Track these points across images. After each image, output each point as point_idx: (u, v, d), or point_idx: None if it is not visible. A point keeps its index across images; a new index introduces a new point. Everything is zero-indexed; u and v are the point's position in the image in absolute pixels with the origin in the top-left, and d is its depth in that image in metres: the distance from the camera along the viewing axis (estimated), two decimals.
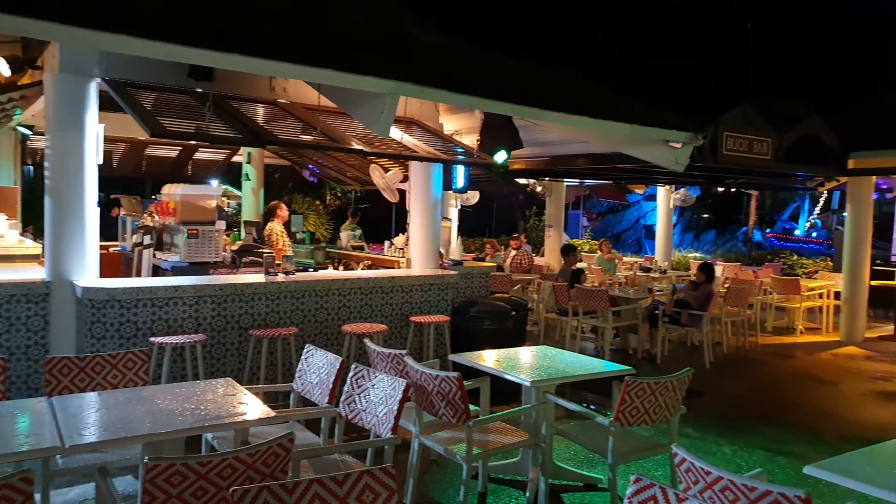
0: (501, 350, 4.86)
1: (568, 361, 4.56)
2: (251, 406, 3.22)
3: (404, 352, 4.14)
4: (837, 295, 10.62)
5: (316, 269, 7.64)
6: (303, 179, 15.87)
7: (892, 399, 7.03)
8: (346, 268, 8.67)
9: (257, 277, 5.91)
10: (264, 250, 7.07)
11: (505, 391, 5.13)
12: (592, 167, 9.19)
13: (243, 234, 8.19)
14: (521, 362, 4.51)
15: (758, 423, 6.11)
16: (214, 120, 5.41)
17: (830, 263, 15.01)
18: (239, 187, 12.56)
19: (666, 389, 3.80)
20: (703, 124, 6.79)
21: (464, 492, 3.71)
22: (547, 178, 13.39)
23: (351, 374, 3.73)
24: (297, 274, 6.18)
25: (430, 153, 6.28)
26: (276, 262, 6.12)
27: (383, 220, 19.47)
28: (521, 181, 13.61)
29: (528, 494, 4.29)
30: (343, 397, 3.71)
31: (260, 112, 6.12)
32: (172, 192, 7.03)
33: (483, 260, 11.72)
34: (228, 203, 13.74)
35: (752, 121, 7.63)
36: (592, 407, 6.26)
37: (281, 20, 5.15)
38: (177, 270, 6.50)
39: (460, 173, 7.70)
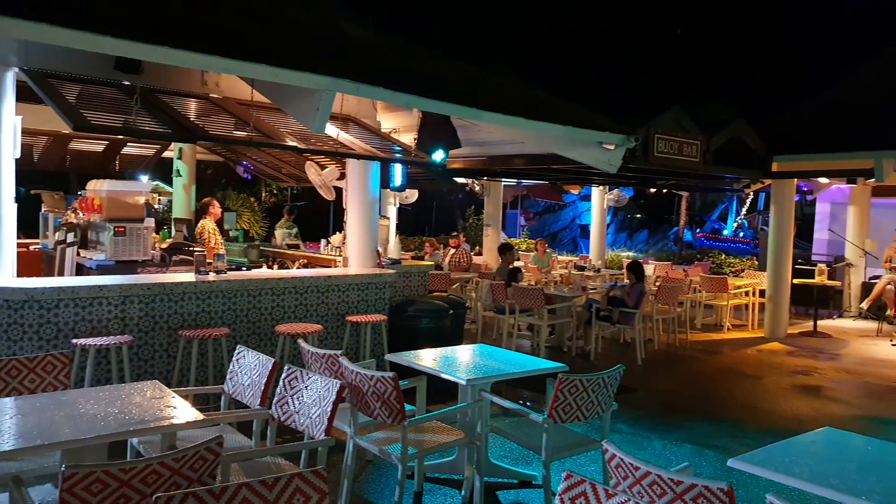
0: (438, 349, 4.86)
1: (504, 359, 4.59)
2: (179, 409, 3.12)
3: (339, 352, 4.09)
4: (762, 293, 11.06)
5: (249, 268, 7.49)
6: (237, 176, 15.49)
7: (810, 392, 7.37)
8: (281, 267, 8.51)
9: (187, 276, 5.74)
10: (195, 248, 6.87)
11: (442, 390, 5.12)
12: (529, 167, 9.30)
13: (174, 232, 7.93)
14: (458, 361, 4.52)
15: (687, 417, 6.30)
16: (142, 114, 5.23)
17: (756, 262, 15.64)
18: (170, 183, 12.18)
19: (598, 386, 3.87)
20: (635, 127, 6.96)
21: (398, 492, 3.69)
22: (485, 178, 13.49)
23: (284, 376, 3.65)
24: (229, 273, 6.03)
25: (368, 151, 6.23)
26: (208, 260, 5.95)
27: (320, 217, 19.25)
28: (460, 180, 13.67)
29: (463, 493, 4.30)
30: (275, 399, 3.64)
31: (191, 106, 5.94)
32: (98, 187, 6.76)
33: (422, 259, 11.71)
34: (159, 200, 13.31)
35: (681, 124, 7.87)
36: (528, 404, 6.34)
37: (212, 12, 5.01)
38: (102, 269, 6.25)
39: (398, 171, 7.67)
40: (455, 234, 14.19)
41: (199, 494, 2.06)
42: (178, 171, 10.32)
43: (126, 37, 3.85)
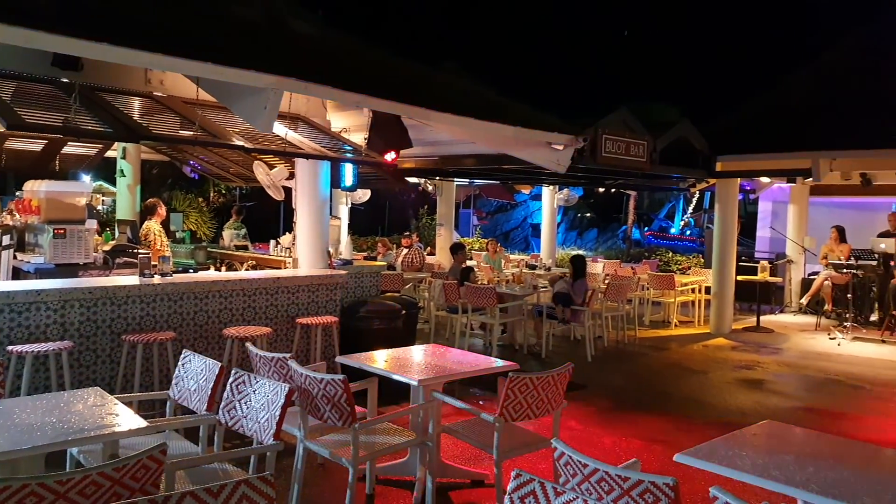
0: (390, 350, 4.84)
1: (456, 359, 4.60)
2: (122, 417, 3.03)
3: (288, 355, 4.03)
4: (708, 290, 11.35)
5: (196, 270, 7.32)
6: (184, 176, 15.13)
7: (753, 386, 7.59)
8: (230, 268, 8.36)
9: (131, 279, 5.58)
10: (140, 250, 6.69)
11: (395, 391, 5.10)
12: (480, 167, 9.35)
13: (117, 234, 7.71)
14: (410, 361, 4.51)
15: (636, 413, 6.42)
16: (82, 112, 5.05)
17: (702, 260, 16.04)
18: (113, 183, 11.83)
19: (547, 384, 3.90)
20: (583, 127, 7.06)
21: (350, 495, 3.66)
22: (437, 178, 13.49)
23: (231, 380, 3.58)
24: (174, 275, 5.89)
25: (317, 150, 6.16)
26: (153, 262, 5.80)
27: (270, 218, 18.94)
28: (412, 180, 13.65)
29: (415, 494, 4.29)
30: (223, 404, 3.57)
31: (134, 105, 5.77)
32: (36, 188, 6.52)
33: (374, 259, 11.66)
34: (102, 201, 12.91)
35: (629, 125, 8.01)
36: (481, 402, 6.37)
37: (155, 9, 4.88)
38: (41, 273, 6.03)
39: (348, 171, 7.61)
40: (408, 233, 14.17)
41: None
42: (121, 170, 10.03)
43: (63, 33, 3.72)
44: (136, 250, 6.90)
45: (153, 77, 5.93)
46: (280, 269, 7.31)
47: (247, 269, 8.11)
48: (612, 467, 2.45)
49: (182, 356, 3.94)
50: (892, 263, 10.62)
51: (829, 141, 8.96)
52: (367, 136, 6.76)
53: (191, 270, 7.24)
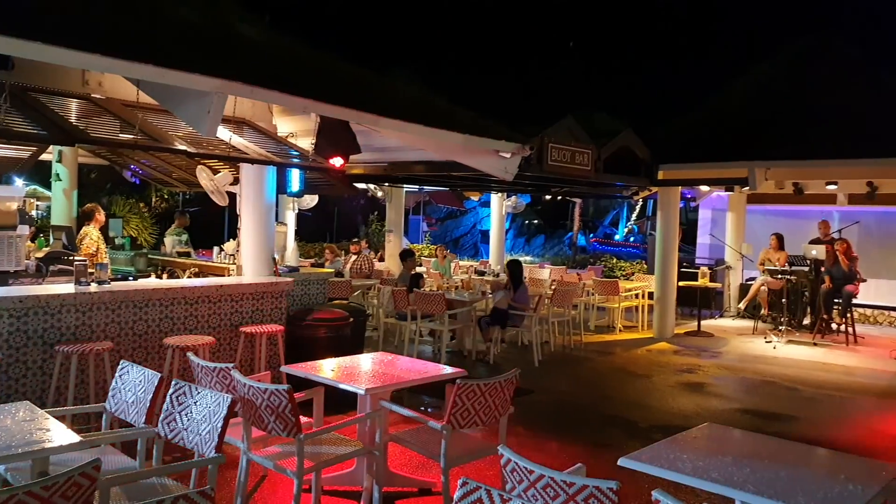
0: (337, 358, 4.79)
1: (404, 367, 4.58)
2: (53, 431, 2.91)
3: (231, 365, 3.94)
4: (651, 295, 11.61)
5: (136, 278, 7.11)
6: (124, 180, 14.68)
7: (694, 389, 7.79)
8: (171, 276, 8.13)
9: (66, 287, 5.36)
10: (76, 257, 6.45)
11: (341, 400, 5.04)
12: (430, 174, 9.35)
13: (52, 240, 7.42)
14: (357, 370, 4.46)
15: (582, 417, 6.51)
16: (13, 113, 4.85)
17: (645, 266, 16.41)
18: (49, 187, 11.38)
19: (495, 390, 3.92)
20: (530, 136, 7.14)
21: None
22: (386, 184, 13.44)
23: (171, 391, 3.48)
24: (112, 283, 5.70)
25: (263, 155, 6.06)
26: (89, 270, 5.59)
27: (214, 224, 18.56)
28: (361, 186, 13.56)
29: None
30: (162, 416, 3.46)
31: (71, 107, 5.57)
32: None
33: (322, 266, 11.52)
34: (37, 206, 12.42)
35: (574, 134, 8.14)
36: (429, 410, 6.36)
37: (93, 8, 4.72)
38: None
39: (295, 177, 7.49)
40: (356, 240, 14.07)
41: None
42: (57, 174, 9.67)
43: None
44: (71, 257, 6.65)
45: (91, 78, 5.73)
46: (224, 276, 7.16)
47: (189, 277, 7.90)
48: (558, 473, 2.48)
49: (119, 367, 3.81)
50: (822, 269, 11.07)
51: (763, 152, 9.30)
52: (314, 141, 6.68)
53: (130, 278, 7.03)
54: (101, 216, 7.89)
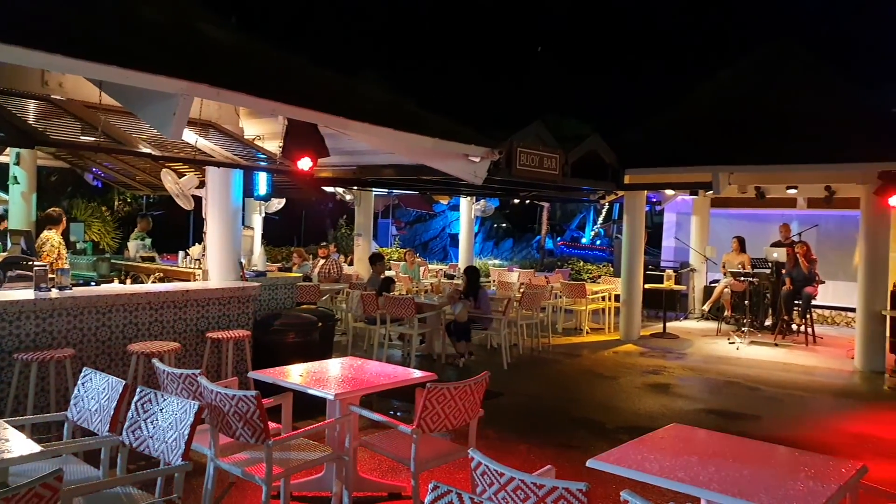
0: (306, 364, 4.75)
1: (373, 371, 4.56)
2: (12, 442, 2.84)
3: (197, 371, 3.89)
4: (617, 297, 11.75)
5: (98, 283, 6.97)
6: (85, 183, 14.39)
7: (660, 390, 7.90)
8: (135, 281, 7.99)
9: (25, 294, 5.23)
10: (36, 263, 6.30)
11: (310, 406, 5.00)
12: (399, 178, 9.35)
13: (10, 245, 7.23)
14: (326, 375, 4.44)
15: (550, 419, 6.56)
16: None
17: (612, 269, 16.59)
18: (6, 191, 11.09)
19: (465, 394, 3.93)
20: (499, 140, 7.18)
21: None
22: (355, 188, 13.39)
23: (136, 399, 3.42)
24: (74, 289, 5.57)
25: (229, 158, 5.99)
26: (50, 275, 5.46)
27: (179, 228, 18.27)
28: (329, 189, 13.49)
29: None
30: (127, 424, 3.40)
31: (29, 108, 5.44)
32: None
33: (290, 270, 11.43)
34: None
35: (542, 138, 8.22)
36: (399, 414, 6.34)
37: (54, 7, 4.62)
38: None
39: (262, 180, 7.44)
40: (325, 244, 13.98)
41: None
42: (14, 177, 9.42)
43: None
44: (30, 262, 6.49)
45: (51, 79, 5.61)
46: (189, 281, 7.05)
47: (154, 282, 7.78)
48: (528, 475, 2.49)
49: (82, 374, 3.73)
50: (783, 272, 11.33)
51: (726, 157, 9.49)
52: (282, 144, 6.63)
53: (92, 283, 6.88)
54: (63, 221, 7.73)
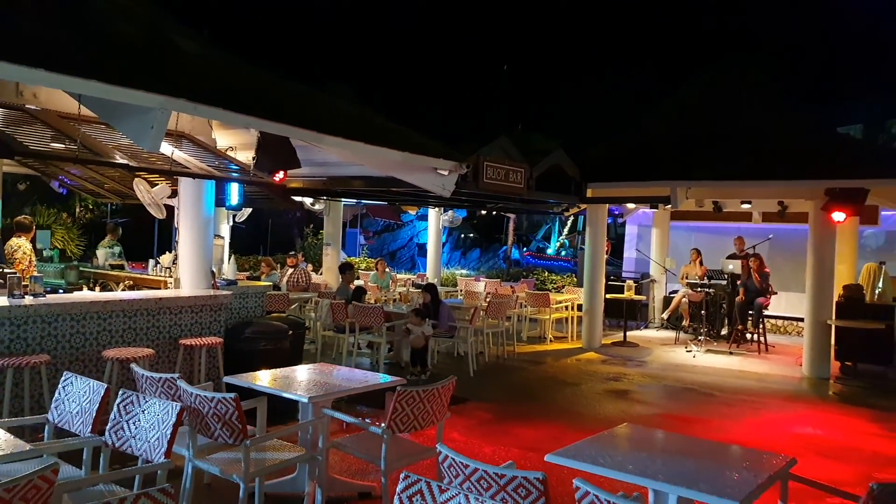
0: (278, 369, 4.92)
1: (344, 376, 4.76)
2: (2, 441, 2.97)
3: (176, 375, 4.04)
4: (580, 307, 12.09)
5: (67, 291, 7.02)
6: (46, 190, 14.24)
7: (620, 396, 8.22)
8: (104, 289, 8.04)
9: None
10: (6, 270, 6.36)
11: (282, 411, 5.19)
12: (369, 189, 9.55)
13: None
14: (298, 380, 4.61)
15: (514, 424, 6.80)
16: None
17: (575, 279, 16.98)
18: None
19: (433, 397, 4.15)
20: (466, 154, 7.44)
21: None
22: (324, 198, 13.54)
23: (119, 401, 3.57)
24: (48, 296, 5.66)
25: (204, 170, 6.14)
26: (23, 282, 5.54)
27: (143, 236, 18.17)
28: (298, 199, 13.60)
29: None
30: (109, 425, 3.54)
31: (3, 118, 5.53)
32: None
33: (258, 279, 11.51)
34: None
35: (508, 152, 8.51)
36: (367, 420, 6.51)
37: (34, 23, 4.74)
38: None
39: (234, 190, 7.58)
40: (293, 253, 14.07)
41: None
42: None
43: None
44: (2, 270, 6.54)
45: (26, 89, 5.70)
46: (159, 289, 7.15)
47: (123, 290, 7.84)
48: (490, 466, 2.73)
49: (63, 378, 3.85)
50: (738, 283, 11.80)
51: (684, 172, 9.90)
52: (254, 155, 6.79)
53: (60, 291, 6.93)
54: (34, 229, 7.76)
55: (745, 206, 12.65)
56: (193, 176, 6.20)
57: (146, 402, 3.51)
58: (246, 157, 7.41)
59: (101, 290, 7.82)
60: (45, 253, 9.62)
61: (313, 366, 5.16)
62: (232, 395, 3.67)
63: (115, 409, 3.56)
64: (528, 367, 9.83)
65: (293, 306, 10.08)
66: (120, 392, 3.60)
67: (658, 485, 2.91)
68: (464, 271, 23.22)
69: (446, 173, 7.16)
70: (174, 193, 7.23)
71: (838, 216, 9.14)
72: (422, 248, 29.02)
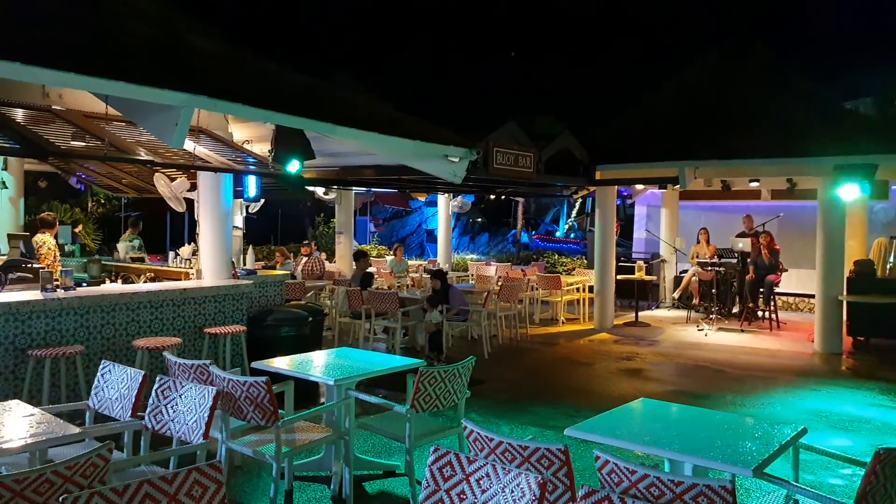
0: (300, 355, 5.12)
1: (366, 360, 4.94)
2: (53, 425, 3.16)
3: (208, 361, 4.23)
4: (591, 289, 12.23)
5: (90, 284, 7.23)
6: (62, 186, 14.47)
7: (633, 375, 8.38)
8: (126, 281, 8.26)
9: (33, 294, 5.51)
10: (37, 265, 6.57)
11: (303, 396, 5.37)
12: (380, 177, 9.68)
13: (6, 249, 7.45)
14: (322, 364, 4.79)
15: (530, 403, 6.98)
16: None
17: (585, 261, 17.10)
18: None
19: (454, 376, 4.32)
20: (476, 141, 7.56)
21: (274, 488, 3.91)
22: (335, 187, 13.70)
23: (156, 386, 3.76)
24: (78, 289, 5.86)
25: (226, 164, 6.30)
26: (54, 276, 5.75)
27: (156, 229, 18.43)
28: (310, 189, 13.77)
29: (332, 487, 4.58)
30: (149, 410, 3.74)
31: (36, 120, 5.71)
32: None
33: (273, 268, 11.70)
34: None
35: (517, 137, 8.62)
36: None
37: (57, 28, 4.89)
38: None
39: (251, 182, 7.74)
40: (307, 242, 14.26)
41: (103, 493, 2.22)
42: (3, 182, 9.61)
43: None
44: (30, 265, 6.75)
45: (52, 91, 5.88)
46: (179, 280, 7.34)
47: (145, 282, 8.04)
48: (514, 439, 2.90)
49: (101, 366, 4.05)
50: (748, 261, 11.89)
51: (691, 152, 9.98)
52: (270, 147, 6.95)
53: (84, 284, 7.13)
54: (56, 224, 7.97)
55: (754, 185, 12.70)
56: (216, 170, 6.37)
57: (183, 387, 3.70)
58: (262, 149, 7.58)
59: (122, 283, 8.03)
60: (66, 248, 9.84)
61: (335, 350, 5.34)
62: (264, 378, 3.85)
63: (153, 394, 3.76)
64: (542, 348, 10.00)
65: (308, 294, 10.27)
66: (157, 378, 3.79)
67: (674, 454, 3.07)
68: (473, 256, 23.37)
69: (457, 160, 7.29)
70: (193, 187, 7.40)
71: (849, 192, 9.21)
72: (430, 234, 29.18)
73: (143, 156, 5.63)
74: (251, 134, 7.55)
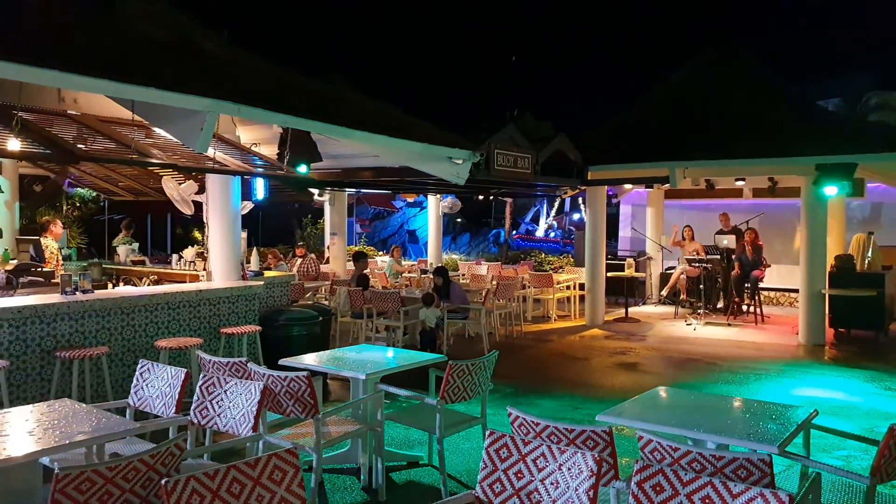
0: (325, 352, 5.26)
1: (388, 355, 5.11)
2: (113, 421, 3.29)
3: (244, 359, 4.37)
4: (582, 286, 12.50)
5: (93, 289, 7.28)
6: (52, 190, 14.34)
7: (628, 368, 8.64)
8: (128, 284, 8.30)
9: (55, 297, 5.59)
10: (46, 269, 6.63)
11: (322, 392, 5.53)
12: (379, 179, 9.84)
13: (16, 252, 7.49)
14: (347, 360, 4.95)
15: (536, 396, 7.20)
16: (3, 134, 5.06)
17: (573, 259, 17.40)
18: None
19: (479, 369, 4.52)
20: (479, 143, 7.77)
21: (314, 478, 4.07)
22: (331, 188, 13.81)
23: (201, 384, 3.90)
24: (96, 291, 5.94)
25: (242, 167, 6.43)
26: (74, 279, 5.83)
27: (138, 231, 18.31)
28: (312, 191, 13.86)
29: (362, 477, 4.75)
30: (194, 406, 3.87)
31: (60, 125, 5.77)
32: None
33: (267, 269, 11.78)
34: None
35: (515, 140, 8.84)
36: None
37: (81, 35, 5.00)
38: None
39: (259, 184, 7.86)
40: (301, 243, 14.35)
41: (197, 477, 2.38)
42: None
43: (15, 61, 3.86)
44: (41, 268, 6.80)
45: (67, 95, 5.96)
46: (184, 282, 7.42)
47: (148, 285, 8.10)
48: (560, 423, 3.10)
49: (140, 365, 4.18)
50: (732, 257, 12.26)
51: (682, 153, 10.29)
52: (279, 150, 7.08)
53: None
54: (57, 228, 8.00)
55: (739, 183, 13.08)
56: (234, 174, 6.48)
57: (226, 383, 3.84)
58: (268, 151, 7.70)
59: (124, 285, 8.07)
60: (62, 252, 9.83)
61: (356, 347, 5.50)
62: (304, 373, 4.01)
63: (197, 390, 3.89)
64: (538, 344, 10.23)
65: (307, 295, 10.39)
66: (201, 375, 3.93)
67: (701, 435, 3.30)
68: (455, 255, 23.57)
69: (461, 162, 7.50)
70: (201, 189, 7.50)
71: (830, 190, 9.58)
72: (412, 235, 29.34)
73: (159, 158, 5.74)
74: (258, 137, 7.67)
